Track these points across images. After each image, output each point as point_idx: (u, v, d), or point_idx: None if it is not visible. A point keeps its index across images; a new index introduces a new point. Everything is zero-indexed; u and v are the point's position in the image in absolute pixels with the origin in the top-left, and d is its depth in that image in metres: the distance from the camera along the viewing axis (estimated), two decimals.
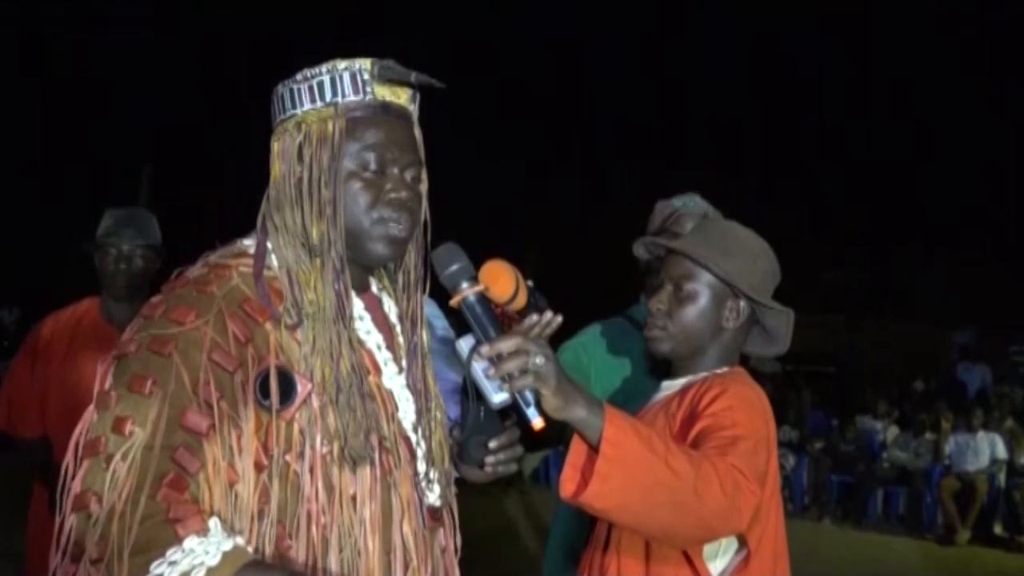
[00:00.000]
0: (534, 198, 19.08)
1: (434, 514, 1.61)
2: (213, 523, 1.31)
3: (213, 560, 1.27)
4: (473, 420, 1.65)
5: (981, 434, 10.05)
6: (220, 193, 12.24)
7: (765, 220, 2.22)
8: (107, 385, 1.39)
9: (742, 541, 1.81)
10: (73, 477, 1.35)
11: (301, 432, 1.42)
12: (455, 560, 1.67)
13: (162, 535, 1.27)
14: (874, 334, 19.11)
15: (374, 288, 1.67)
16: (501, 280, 1.66)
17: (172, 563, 1.26)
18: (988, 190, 18.78)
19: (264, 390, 1.40)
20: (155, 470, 1.29)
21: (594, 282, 14.21)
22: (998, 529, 9.71)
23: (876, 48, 19.93)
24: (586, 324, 2.81)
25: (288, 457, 1.41)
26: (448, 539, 1.66)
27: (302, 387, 1.43)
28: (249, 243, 1.56)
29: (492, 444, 1.67)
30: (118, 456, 1.30)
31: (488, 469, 1.69)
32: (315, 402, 1.44)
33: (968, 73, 19.09)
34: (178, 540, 1.27)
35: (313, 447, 1.42)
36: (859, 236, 20.31)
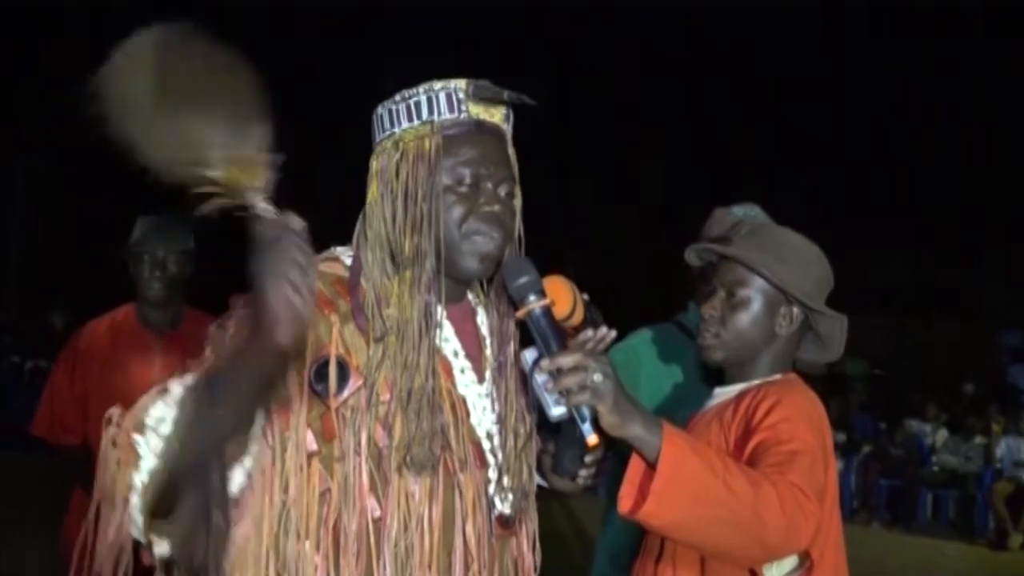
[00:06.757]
0: (574, 202, 19.00)
1: (504, 522, 1.62)
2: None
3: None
4: (569, 434, 1.66)
5: None
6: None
7: (811, 222, 2.19)
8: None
9: (803, 554, 1.78)
10: None
11: (350, 423, 1.47)
12: (532, 573, 1.68)
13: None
14: (922, 336, 18.85)
15: (471, 300, 1.69)
16: (561, 297, 1.68)
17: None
18: None
19: (319, 377, 1.45)
20: None
21: (635, 288, 14.14)
22: None
23: (920, 51, 19.66)
24: (629, 330, 2.79)
25: (343, 446, 1.46)
26: (524, 551, 1.67)
27: (354, 380, 1.47)
28: (342, 249, 1.61)
29: (588, 459, 1.69)
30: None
31: (580, 481, 1.72)
32: (364, 397, 1.49)
33: (1013, 72, 18.78)
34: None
35: (364, 439, 1.47)
36: (907, 237, 20.03)
